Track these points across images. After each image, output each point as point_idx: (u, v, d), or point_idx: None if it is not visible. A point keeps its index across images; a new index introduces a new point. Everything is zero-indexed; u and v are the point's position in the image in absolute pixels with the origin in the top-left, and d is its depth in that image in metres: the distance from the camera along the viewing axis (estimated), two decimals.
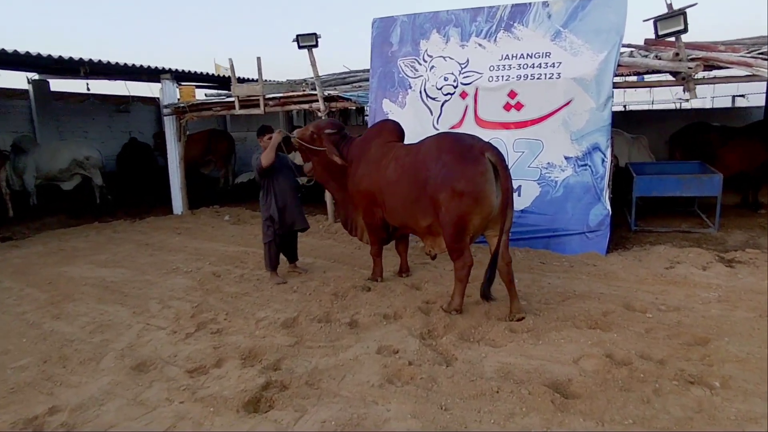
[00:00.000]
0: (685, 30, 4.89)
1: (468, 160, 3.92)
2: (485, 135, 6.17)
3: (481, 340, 3.81)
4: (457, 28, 6.25)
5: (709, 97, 15.27)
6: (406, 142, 4.86)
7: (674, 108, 11.44)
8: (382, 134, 4.85)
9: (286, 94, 7.59)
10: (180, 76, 9.28)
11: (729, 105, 14.08)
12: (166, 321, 4.38)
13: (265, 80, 7.71)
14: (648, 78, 6.07)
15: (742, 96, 13.63)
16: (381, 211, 4.77)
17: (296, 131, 5.30)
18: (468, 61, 6.23)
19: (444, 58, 6.38)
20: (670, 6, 4.96)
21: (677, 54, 4.37)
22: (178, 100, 8.98)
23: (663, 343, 3.57)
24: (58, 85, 11.84)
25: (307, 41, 6.73)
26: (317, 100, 7.28)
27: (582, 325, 3.94)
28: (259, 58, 7.44)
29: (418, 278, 5.27)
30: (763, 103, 9.11)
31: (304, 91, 7.54)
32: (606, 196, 5.71)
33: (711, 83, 5.15)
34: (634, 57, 5.48)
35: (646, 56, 5.43)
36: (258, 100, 7.67)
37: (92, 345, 3.96)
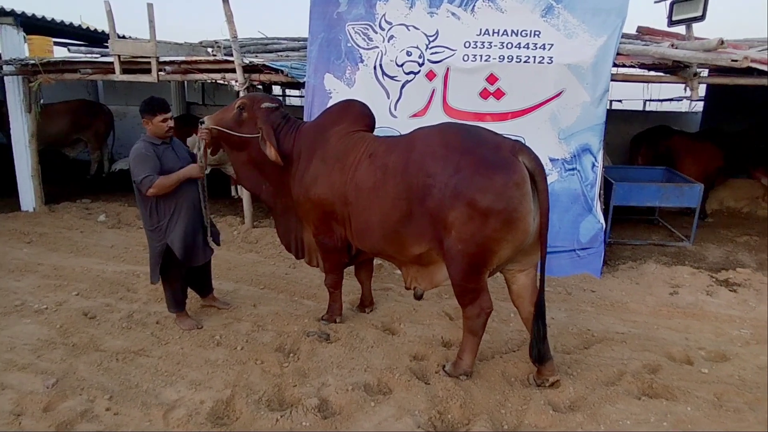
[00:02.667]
0: (703, 18, 4.17)
1: (496, 165, 2.71)
2: None
3: (520, 426, 2.66)
4: None
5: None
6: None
7: (635, 110, 11.22)
8: (345, 120, 3.43)
9: (189, 59, 5.71)
10: (29, 24, 6.77)
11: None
12: None
13: (158, 40, 5.74)
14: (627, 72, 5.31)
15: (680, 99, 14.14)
16: (343, 230, 3.39)
17: (209, 117, 3.65)
18: (437, 33, 4.99)
19: (407, 27, 5.06)
20: None
21: (722, 42, 3.61)
22: (27, 56, 6.52)
23: (751, 417, 2.72)
24: None
25: None
26: (233, 69, 5.54)
27: (635, 390, 2.99)
28: (150, 5, 5.47)
29: (386, 314, 3.99)
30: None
31: (214, 56, 5.73)
32: (597, 206, 4.89)
33: (706, 82, 4.53)
34: (633, 44, 4.66)
35: (647, 44, 4.65)
36: (149, 63, 5.69)
37: None
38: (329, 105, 5.24)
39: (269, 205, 3.89)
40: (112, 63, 5.84)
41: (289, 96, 13.82)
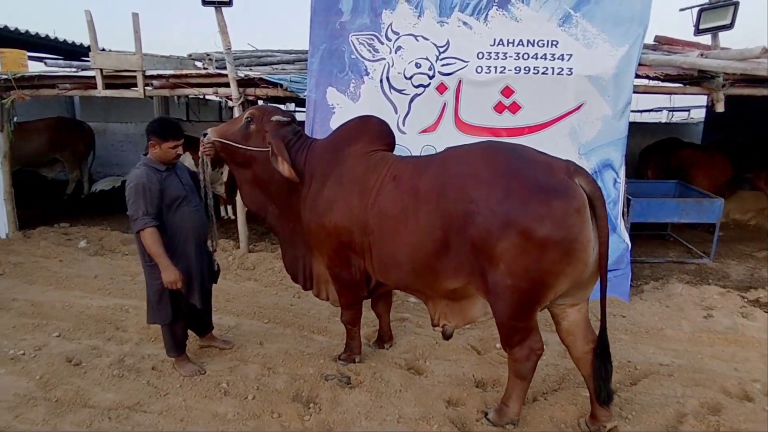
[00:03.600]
0: (732, 26, 3.97)
1: (552, 190, 2.38)
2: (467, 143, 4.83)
3: None
4: None
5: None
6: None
7: (641, 121, 11.13)
8: (362, 138, 3.09)
9: (178, 72, 5.32)
10: (1, 36, 6.30)
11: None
12: None
13: (144, 53, 5.34)
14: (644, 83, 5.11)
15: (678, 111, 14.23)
16: (362, 261, 3.02)
17: (213, 129, 3.28)
18: (448, 43, 4.71)
19: (415, 37, 4.77)
20: None
21: (766, 50, 3.41)
22: None
23: None
24: None
25: None
26: (227, 84, 5.17)
27: None
28: (136, 15, 5.09)
29: (407, 350, 3.63)
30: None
31: (206, 69, 5.35)
32: (621, 225, 4.64)
33: (733, 93, 4.33)
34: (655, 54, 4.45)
35: (669, 54, 4.45)
36: (133, 77, 5.28)
37: None
38: (332, 120, 4.96)
39: (275, 230, 3.51)
40: (93, 77, 5.42)
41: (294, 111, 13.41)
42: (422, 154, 3.20)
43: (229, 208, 7.73)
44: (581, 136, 4.58)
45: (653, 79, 4.43)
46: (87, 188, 8.24)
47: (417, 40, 4.76)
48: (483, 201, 2.46)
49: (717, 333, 3.91)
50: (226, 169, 7.56)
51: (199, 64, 6.15)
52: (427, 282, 2.81)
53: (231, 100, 5.20)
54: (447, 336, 3.04)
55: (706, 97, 7.07)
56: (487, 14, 4.62)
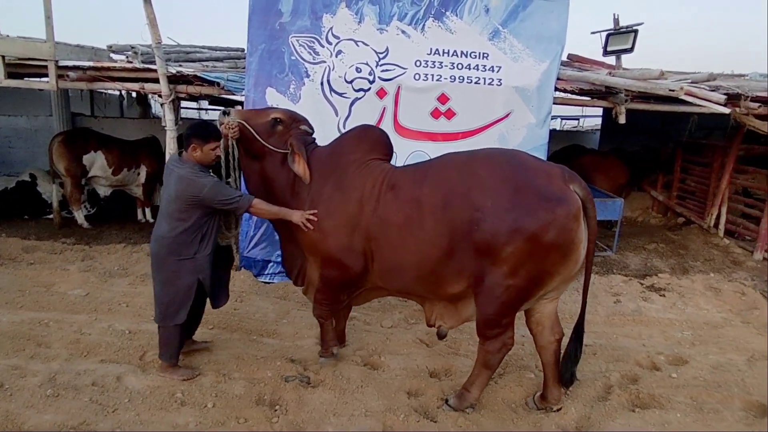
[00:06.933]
0: (632, 50, 4.59)
1: (554, 198, 2.57)
2: (406, 147, 4.99)
3: None
4: (374, 6, 4.82)
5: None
6: None
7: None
8: (361, 148, 3.12)
9: (100, 64, 4.92)
10: None
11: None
12: None
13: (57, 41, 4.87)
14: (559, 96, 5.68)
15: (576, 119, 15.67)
16: (357, 267, 3.03)
17: (235, 111, 3.19)
18: (388, 50, 4.88)
19: (356, 42, 4.88)
20: (617, 21, 4.57)
21: (662, 73, 3.98)
22: None
23: (729, 417, 2.96)
24: None
25: None
26: (155, 79, 4.88)
27: (626, 402, 3.14)
28: None
29: (360, 347, 3.75)
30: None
31: (131, 63, 5.01)
32: None
33: (632, 107, 4.98)
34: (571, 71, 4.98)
35: (581, 71, 5.01)
36: (45, 66, 4.80)
37: None
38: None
39: (275, 226, 3.46)
40: None
41: (205, 109, 12.71)
42: (417, 163, 3.28)
43: (147, 210, 7.26)
44: (509, 141, 4.99)
45: (569, 92, 4.95)
46: None
47: (357, 45, 4.88)
48: (488, 209, 2.59)
49: (626, 315, 4.49)
50: (143, 170, 7.10)
51: (115, 56, 5.72)
52: (431, 287, 2.90)
53: (160, 96, 4.92)
54: (442, 336, 3.15)
55: (601, 109, 8.08)
56: (424, 24, 4.87)
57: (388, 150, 3.20)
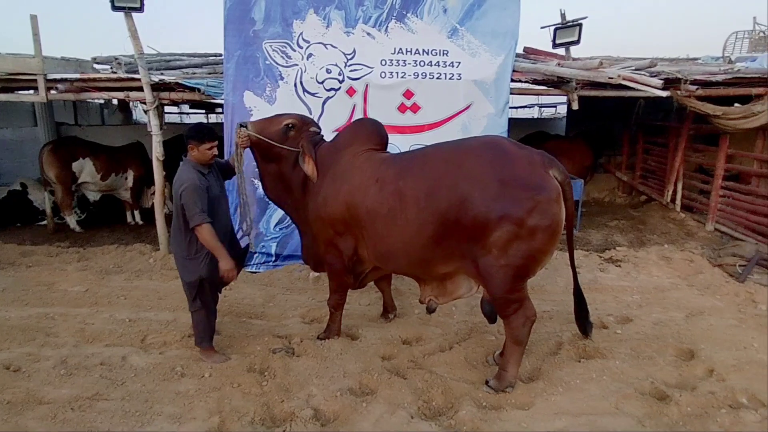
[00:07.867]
0: (578, 42, 5.02)
1: (536, 185, 2.82)
2: None
3: (499, 401, 3.01)
4: (340, 11, 5.21)
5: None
6: None
7: (516, 117, 12.57)
8: (356, 140, 3.45)
9: (86, 76, 5.24)
10: None
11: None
12: None
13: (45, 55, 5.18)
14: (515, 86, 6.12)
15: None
16: (353, 251, 3.43)
17: (251, 123, 3.55)
18: (355, 51, 5.27)
19: (325, 45, 5.26)
20: (563, 16, 5.00)
21: (601, 63, 4.40)
22: None
23: (661, 361, 3.42)
24: None
25: (127, 0, 4.74)
26: (139, 88, 5.22)
27: (574, 355, 3.59)
28: (34, 17, 4.95)
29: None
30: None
31: (115, 73, 5.33)
32: None
33: (583, 95, 5.43)
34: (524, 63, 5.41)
35: (534, 63, 5.44)
36: (34, 80, 5.11)
37: None
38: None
39: (292, 218, 3.90)
40: None
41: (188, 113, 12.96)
42: (402, 152, 3.64)
43: (136, 213, 7.58)
44: (471, 131, 5.40)
45: (524, 82, 5.38)
46: None
47: (326, 48, 5.26)
48: (475, 197, 2.83)
49: (582, 285, 4.88)
50: (130, 174, 7.41)
51: (99, 67, 6.03)
52: (422, 269, 3.24)
53: (144, 104, 5.26)
54: (431, 311, 3.50)
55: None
56: (387, 26, 5.26)
57: (382, 140, 3.50)
